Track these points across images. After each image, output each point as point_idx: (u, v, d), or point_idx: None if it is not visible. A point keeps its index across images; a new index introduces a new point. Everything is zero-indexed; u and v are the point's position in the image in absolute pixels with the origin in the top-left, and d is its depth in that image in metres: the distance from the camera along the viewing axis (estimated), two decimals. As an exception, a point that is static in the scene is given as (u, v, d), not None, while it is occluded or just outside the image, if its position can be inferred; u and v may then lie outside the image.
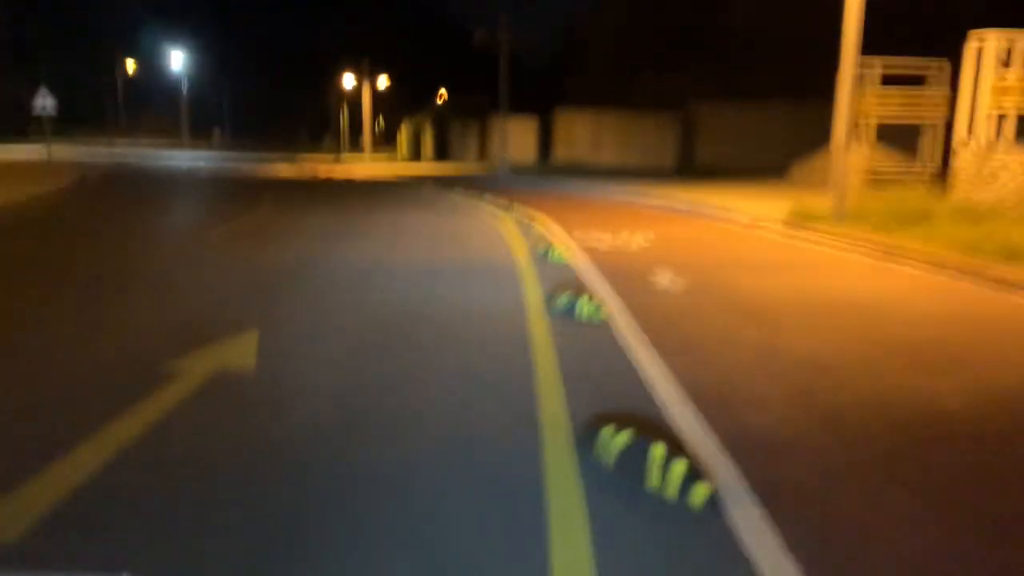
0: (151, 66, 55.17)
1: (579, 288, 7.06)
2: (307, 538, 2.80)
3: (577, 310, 6.26)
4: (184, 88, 50.02)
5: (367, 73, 45.03)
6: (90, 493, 3.12)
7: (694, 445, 3.62)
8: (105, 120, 53.15)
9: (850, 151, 13.22)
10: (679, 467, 3.18)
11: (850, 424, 4.10)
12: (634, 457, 3.29)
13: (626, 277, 8.15)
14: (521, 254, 9.71)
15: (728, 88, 29.61)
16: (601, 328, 5.96)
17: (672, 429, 3.84)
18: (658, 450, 3.24)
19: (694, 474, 3.18)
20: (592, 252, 9.91)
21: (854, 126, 13.33)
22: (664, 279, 8.07)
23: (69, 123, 44.56)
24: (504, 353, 5.26)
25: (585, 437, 3.63)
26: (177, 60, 51.85)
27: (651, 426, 3.69)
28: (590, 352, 5.31)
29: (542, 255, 9.39)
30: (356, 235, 11.62)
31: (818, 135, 20.19)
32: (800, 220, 12.54)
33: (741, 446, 3.67)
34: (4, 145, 36.75)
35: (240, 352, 5.11)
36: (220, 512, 3.00)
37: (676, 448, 3.34)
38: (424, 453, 3.56)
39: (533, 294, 7.20)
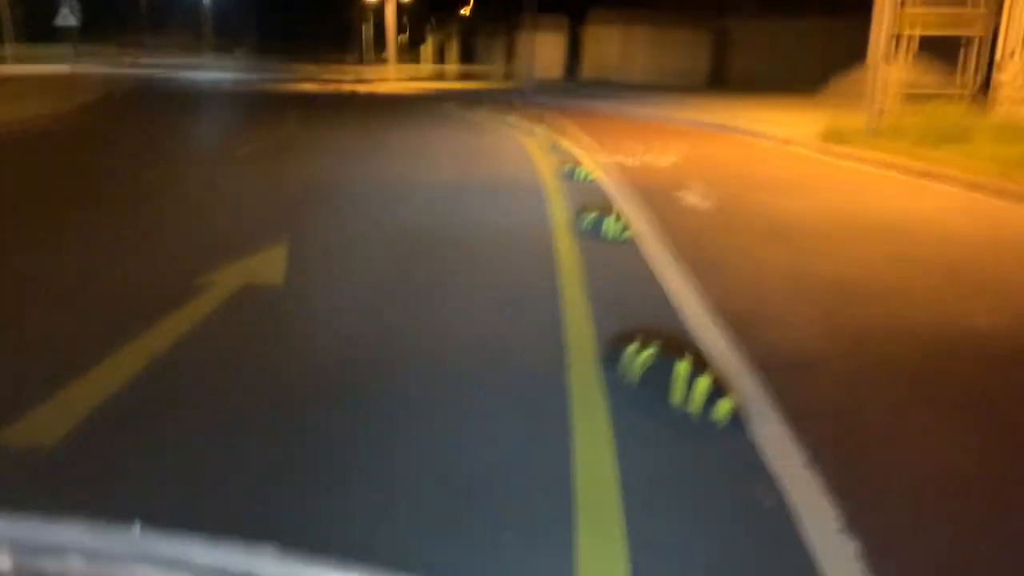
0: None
1: (606, 206, 7.00)
2: (333, 448, 2.88)
3: (604, 228, 6.22)
4: (208, 2, 49.24)
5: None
6: (123, 401, 3.21)
7: (719, 362, 3.64)
8: (129, 31, 52.63)
9: (887, 65, 12.76)
10: (703, 382, 3.20)
11: (878, 343, 4.09)
12: (659, 373, 3.32)
13: (654, 195, 8.06)
14: (547, 172, 9.61)
15: (763, 0, 28.58)
16: (628, 246, 5.93)
17: (697, 346, 3.86)
18: (683, 366, 3.26)
19: (718, 390, 3.20)
20: (620, 169, 9.79)
21: (892, 39, 12.81)
22: (692, 197, 7.97)
23: (94, 33, 44.18)
24: (530, 271, 5.27)
25: (610, 354, 3.66)
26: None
27: (676, 343, 3.71)
28: (616, 270, 5.30)
29: (568, 173, 9.28)
30: (381, 152, 11.55)
31: (855, 50, 19.46)
32: (835, 137, 12.24)
33: (767, 364, 3.68)
34: (29, 49, 36.61)
35: (268, 266, 5.16)
36: (248, 422, 3.09)
37: (701, 364, 3.36)
38: (449, 369, 3.62)
39: (559, 212, 7.16)
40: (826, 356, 3.88)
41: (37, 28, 41.49)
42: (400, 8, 45.81)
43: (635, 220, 6.76)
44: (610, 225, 6.23)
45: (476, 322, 4.25)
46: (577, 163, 9.90)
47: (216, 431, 3.00)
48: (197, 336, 3.94)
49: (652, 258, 5.59)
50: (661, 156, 11.14)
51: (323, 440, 2.93)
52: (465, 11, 44.56)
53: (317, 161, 10.47)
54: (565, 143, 12.33)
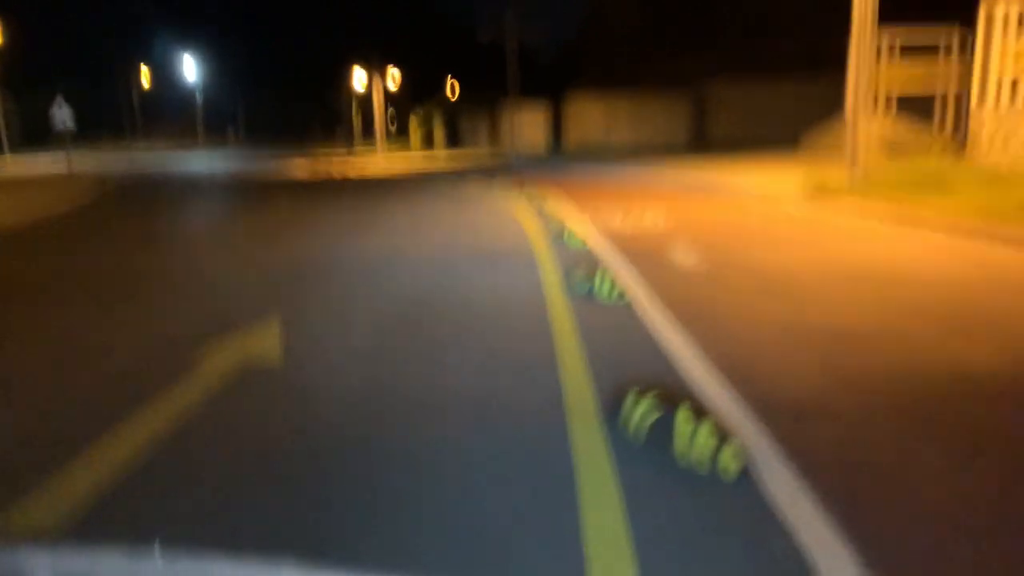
0: (163, 78, 55.66)
1: (597, 268, 7.07)
2: (336, 514, 2.85)
3: (597, 291, 6.27)
4: (199, 94, 50.46)
5: (378, 67, 45.05)
6: (118, 486, 3.18)
7: (721, 413, 3.64)
8: (122, 131, 53.78)
9: (864, 120, 13.08)
10: (707, 435, 3.19)
11: (877, 387, 4.09)
12: (662, 428, 3.31)
13: (644, 256, 8.15)
14: (538, 239, 9.72)
15: (739, 63, 29.42)
16: (622, 308, 5.97)
17: (699, 399, 3.85)
18: (685, 419, 3.26)
19: (722, 441, 3.19)
20: (608, 233, 9.91)
21: (868, 95, 13.16)
22: (682, 256, 8.06)
23: (88, 132, 44.99)
24: (525, 337, 5.29)
25: (612, 412, 3.66)
26: (190, 69, 52.36)
27: (677, 396, 3.71)
28: (612, 330, 5.33)
29: (558, 238, 9.40)
30: (373, 231, 11.68)
31: (832, 107, 19.99)
32: (816, 191, 12.46)
33: (769, 413, 3.67)
34: (29, 156, 37.20)
35: (264, 342, 5.17)
36: (247, 503, 3.06)
37: (703, 417, 3.36)
38: (452, 433, 3.60)
39: (551, 277, 7.22)
40: (827, 402, 3.88)
41: (35, 134, 42.37)
42: (387, 96, 46.96)
43: (627, 281, 6.82)
44: (603, 287, 6.28)
45: (474, 389, 4.24)
46: (566, 229, 10.03)
47: (214, 513, 2.97)
48: (193, 415, 3.92)
49: (647, 317, 5.62)
50: (648, 218, 11.30)
51: (322, 520, 2.90)
52: (449, 94, 45.64)
53: (310, 243, 10.57)
54: (553, 210, 12.51)
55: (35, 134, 42.46)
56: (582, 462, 3.23)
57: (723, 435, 3.24)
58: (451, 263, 8.33)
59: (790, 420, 3.64)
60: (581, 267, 7.11)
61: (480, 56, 40.24)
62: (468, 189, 18.45)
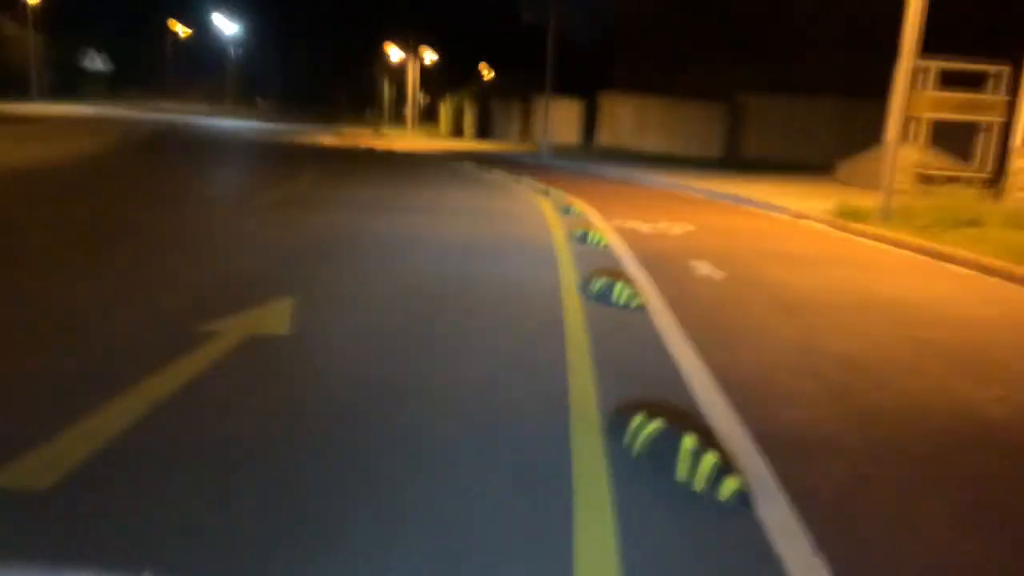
0: (202, 33, 55.71)
1: (616, 273, 6.97)
2: (324, 510, 2.79)
3: (614, 294, 6.18)
4: (233, 54, 50.52)
5: (413, 46, 44.99)
6: (117, 449, 3.14)
7: (726, 438, 3.55)
8: (155, 84, 53.90)
9: (901, 150, 12.85)
10: (709, 459, 3.11)
11: (888, 426, 3.99)
12: (664, 447, 3.23)
13: (664, 264, 8.05)
14: (559, 236, 9.63)
15: (777, 80, 29.08)
16: (636, 314, 5.88)
17: (704, 420, 3.77)
18: (688, 441, 3.18)
19: (725, 467, 3.11)
20: (631, 238, 9.80)
21: (907, 125, 12.93)
22: (703, 268, 7.95)
23: (121, 85, 45.29)
24: (536, 334, 5.22)
25: (615, 423, 3.58)
26: (227, 26, 52.38)
27: (683, 416, 3.63)
28: (624, 338, 5.24)
29: (580, 238, 9.30)
30: (395, 209, 11.63)
31: (867, 133, 19.76)
32: (846, 217, 12.27)
33: (775, 442, 3.58)
34: (60, 103, 37.39)
35: (274, 318, 5.12)
36: (244, 478, 3.01)
37: (707, 440, 3.28)
38: (451, 430, 3.54)
39: (569, 276, 7.14)
40: (835, 436, 3.78)
41: (68, 82, 42.64)
42: (422, 70, 46.87)
43: (646, 287, 6.72)
44: (620, 291, 6.19)
45: (478, 385, 4.17)
46: (590, 227, 9.93)
47: (211, 485, 2.92)
48: (197, 385, 3.88)
49: (661, 326, 5.53)
50: (674, 225, 11.17)
51: (316, 504, 2.84)
52: (486, 76, 45.44)
53: (330, 215, 10.53)
54: (578, 207, 12.40)
55: (68, 82, 42.70)
56: (580, 474, 3.16)
57: (726, 463, 3.15)
58: (469, 252, 8.26)
59: (795, 452, 3.55)
60: (600, 269, 7.02)
61: (518, 43, 39.98)
62: (496, 180, 18.36)
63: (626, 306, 6.05)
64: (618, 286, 6.25)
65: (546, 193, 14.90)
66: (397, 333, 5.09)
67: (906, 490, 3.28)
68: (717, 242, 10.00)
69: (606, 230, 10.14)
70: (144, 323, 4.94)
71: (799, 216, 13.09)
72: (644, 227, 10.84)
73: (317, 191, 13.55)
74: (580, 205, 12.93)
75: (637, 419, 3.40)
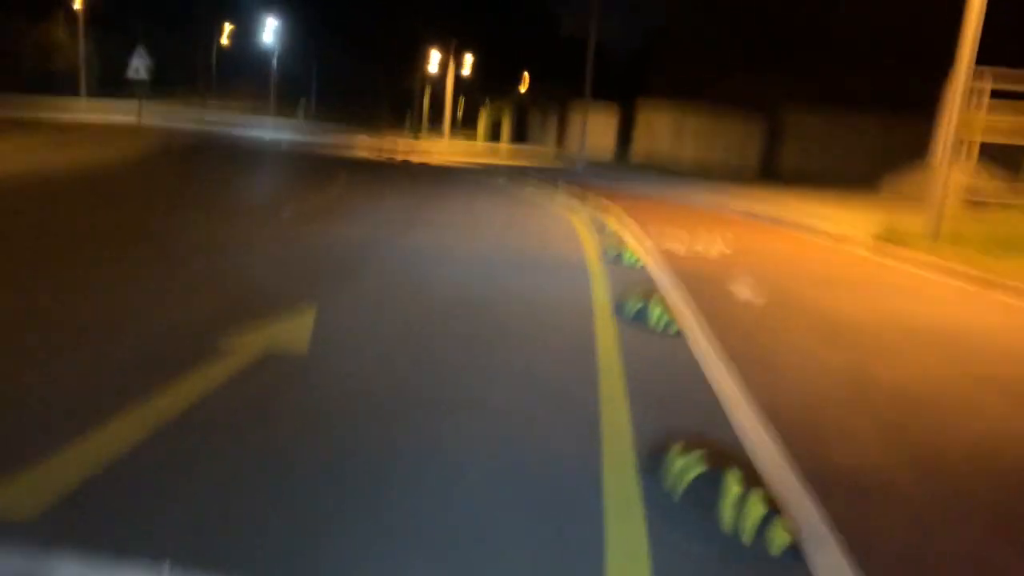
0: (243, 37, 56.38)
1: (652, 293, 6.72)
2: (340, 542, 2.58)
3: (649, 317, 5.93)
4: (275, 59, 51.09)
5: (452, 55, 45.07)
6: (128, 463, 2.97)
7: (773, 479, 3.29)
8: (197, 87, 54.65)
9: (950, 168, 12.42)
10: (756, 502, 2.86)
11: (949, 469, 3.69)
12: (707, 490, 2.98)
13: (703, 285, 7.77)
14: (593, 252, 9.40)
15: (818, 93, 28.50)
16: (674, 339, 5.62)
17: (748, 458, 3.50)
18: (734, 484, 2.93)
19: (772, 511, 2.85)
20: (668, 255, 9.53)
21: (957, 142, 12.48)
22: (744, 290, 7.66)
23: (163, 87, 45.94)
24: (568, 357, 4.99)
25: (652, 460, 3.33)
26: (269, 31, 52.95)
27: (726, 455, 3.37)
28: (661, 363, 4.98)
29: (615, 255, 9.06)
30: (427, 222, 11.47)
31: (913, 149, 19.23)
32: (891, 238, 11.87)
33: (828, 485, 3.31)
34: (104, 102, 37.93)
35: (293, 333, 4.95)
36: (250, 500, 2.81)
37: (753, 481, 3.02)
38: (475, 465, 3.31)
39: (602, 295, 6.90)
40: (892, 479, 3.49)
41: (112, 80, 43.31)
42: (458, 82, 46.95)
43: (682, 311, 6.46)
44: (656, 314, 5.94)
45: (505, 411, 3.95)
46: (624, 246, 9.68)
47: (215, 506, 2.73)
48: (209, 403, 3.70)
49: (700, 354, 5.26)
50: (711, 245, 10.87)
51: (330, 534, 2.64)
52: (522, 88, 45.35)
53: (360, 227, 10.38)
54: (613, 224, 12.15)
55: (112, 80, 43.36)
56: (613, 513, 2.92)
57: (774, 504, 2.90)
58: (500, 267, 8.05)
59: (850, 497, 3.27)
60: (635, 289, 6.77)
61: (557, 51, 39.83)
62: (529, 189, 18.17)
63: (663, 331, 5.80)
64: (655, 310, 5.99)
65: (581, 206, 14.66)
66: (421, 358, 4.88)
67: (976, 547, 2.99)
68: (757, 264, 9.69)
69: (641, 249, 9.87)
70: (158, 335, 4.78)
71: (841, 239, 12.70)
72: (681, 247, 10.55)
73: (346, 203, 13.45)
74: (615, 219, 12.67)
75: (678, 459, 3.15)
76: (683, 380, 4.69)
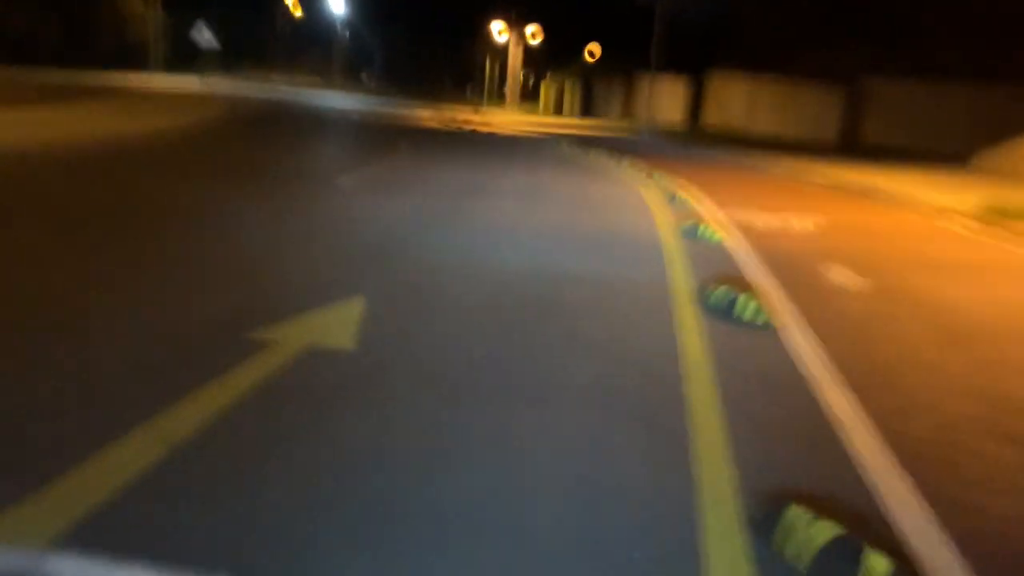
0: (311, 10, 56.41)
1: (737, 278, 5.93)
2: (393, 541, 1.95)
3: (737, 307, 5.15)
4: (345, 26, 51.03)
5: (517, 25, 44.09)
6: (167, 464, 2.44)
7: (918, 546, 2.53)
8: (264, 59, 55.06)
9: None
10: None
11: None
12: (840, 564, 2.25)
13: (790, 268, 6.92)
14: (667, 228, 8.59)
15: (902, 63, 26.62)
16: (767, 335, 4.85)
17: (888, 522, 2.72)
18: (879, 564, 2.19)
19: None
20: (749, 233, 8.65)
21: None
22: (839, 275, 6.79)
23: (234, 58, 46.37)
24: (646, 357, 4.27)
25: (763, 517, 2.60)
26: (337, 4, 52.90)
27: (860, 515, 2.62)
28: (756, 371, 4.21)
29: (690, 231, 8.25)
30: (489, 193, 10.77)
31: (1009, 121, 17.71)
32: (997, 216, 10.71)
33: (996, 561, 2.54)
34: (174, 76, 38.31)
35: (339, 325, 4.35)
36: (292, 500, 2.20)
37: (901, 558, 2.28)
38: (542, 483, 2.68)
39: (681, 279, 6.14)
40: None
41: (183, 55, 43.85)
42: (526, 51, 45.98)
43: (772, 298, 5.66)
44: (744, 304, 5.16)
45: (573, 428, 3.26)
46: (700, 220, 8.86)
47: (241, 535, 2.13)
48: (234, 415, 3.11)
49: (800, 356, 4.48)
50: (797, 220, 9.93)
51: (378, 543, 2.01)
52: (590, 55, 44.03)
53: (421, 198, 9.75)
54: (685, 196, 11.27)
55: (183, 55, 43.85)
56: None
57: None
58: (566, 247, 7.32)
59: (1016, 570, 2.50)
60: (719, 277, 5.99)
61: (627, 21, 38.43)
62: (595, 162, 17.31)
63: (751, 322, 5.03)
64: (741, 297, 5.22)
65: (649, 178, 13.77)
66: (482, 347, 4.23)
67: None
68: (848, 242, 8.75)
69: (718, 223, 9.02)
70: (191, 326, 4.23)
71: (939, 214, 11.57)
72: (761, 221, 9.64)
73: (406, 172, 12.84)
74: (687, 193, 11.77)
75: (798, 517, 2.42)
76: (785, 391, 3.94)
